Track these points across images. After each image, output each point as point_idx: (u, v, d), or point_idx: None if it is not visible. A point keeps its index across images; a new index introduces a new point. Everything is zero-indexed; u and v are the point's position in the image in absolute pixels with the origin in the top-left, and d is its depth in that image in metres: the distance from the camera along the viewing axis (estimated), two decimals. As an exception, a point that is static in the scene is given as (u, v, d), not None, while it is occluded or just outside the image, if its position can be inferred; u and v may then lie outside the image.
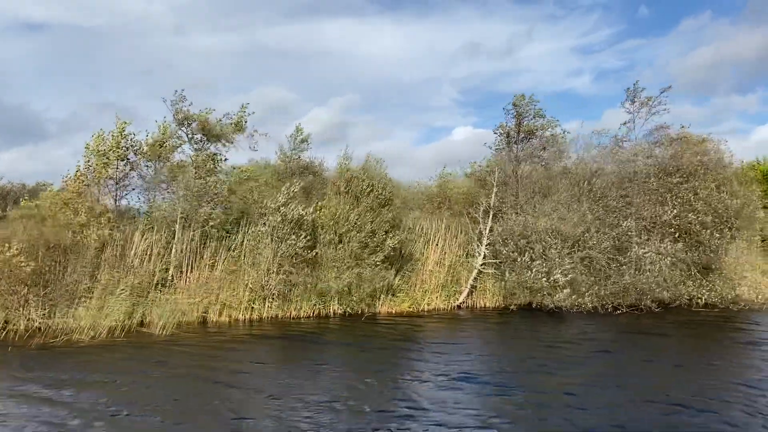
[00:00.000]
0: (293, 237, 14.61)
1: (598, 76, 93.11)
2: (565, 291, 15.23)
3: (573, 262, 15.55)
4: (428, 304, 16.99)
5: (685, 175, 17.01)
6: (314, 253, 15.01)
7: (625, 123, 19.28)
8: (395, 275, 16.62)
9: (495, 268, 17.18)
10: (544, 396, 8.70)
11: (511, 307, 16.80)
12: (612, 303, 15.92)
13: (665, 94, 18.42)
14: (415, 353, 11.81)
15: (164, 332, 13.13)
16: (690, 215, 16.41)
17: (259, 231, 14.94)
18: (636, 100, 18.91)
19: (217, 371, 10.12)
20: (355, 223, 15.17)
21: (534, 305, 16.31)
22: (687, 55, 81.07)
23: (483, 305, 17.57)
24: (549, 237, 15.71)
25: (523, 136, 20.67)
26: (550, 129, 20.71)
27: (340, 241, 15.35)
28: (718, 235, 16.28)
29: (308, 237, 14.96)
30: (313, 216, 15.42)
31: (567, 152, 20.13)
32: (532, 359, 11.17)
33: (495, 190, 17.59)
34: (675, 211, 16.39)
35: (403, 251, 17.02)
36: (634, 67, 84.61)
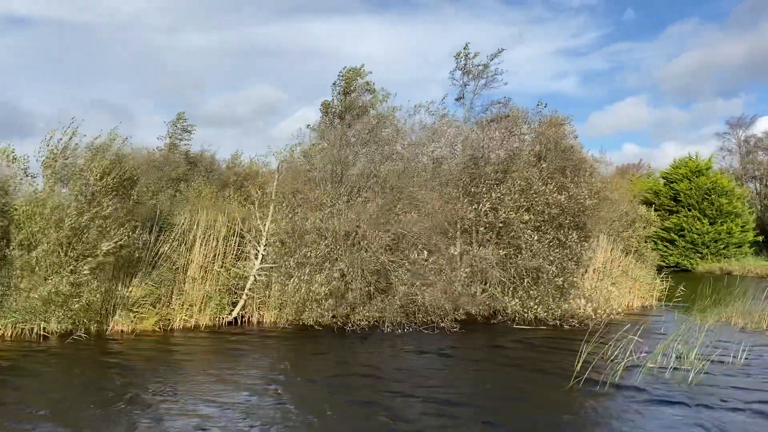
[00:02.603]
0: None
1: (584, 79, 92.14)
2: (328, 302, 12.16)
3: (344, 268, 12.44)
4: (185, 321, 13.80)
5: (503, 163, 14.06)
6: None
7: (458, 99, 16.30)
8: (140, 284, 13.39)
9: (277, 274, 14.01)
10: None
11: (282, 323, 13.72)
12: (396, 319, 12.90)
13: (498, 60, 15.47)
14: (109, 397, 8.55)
15: None
16: (503, 212, 13.44)
17: None
18: (468, 69, 15.91)
19: None
20: (52, 218, 11.85)
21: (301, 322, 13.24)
22: (673, 59, 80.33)
23: (262, 320, 14.45)
24: (318, 237, 12.61)
25: (352, 116, 17.62)
26: (379, 105, 17.72)
27: (35, 242, 12.02)
28: (536, 236, 13.34)
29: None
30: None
31: (404, 134, 17.10)
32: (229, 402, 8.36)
33: (278, 176, 14.42)
34: (485, 207, 13.41)
35: (152, 254, 13.77)
36: (622, 70, 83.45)
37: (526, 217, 13.50)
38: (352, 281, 12.57)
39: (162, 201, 15.00)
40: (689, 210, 38.83)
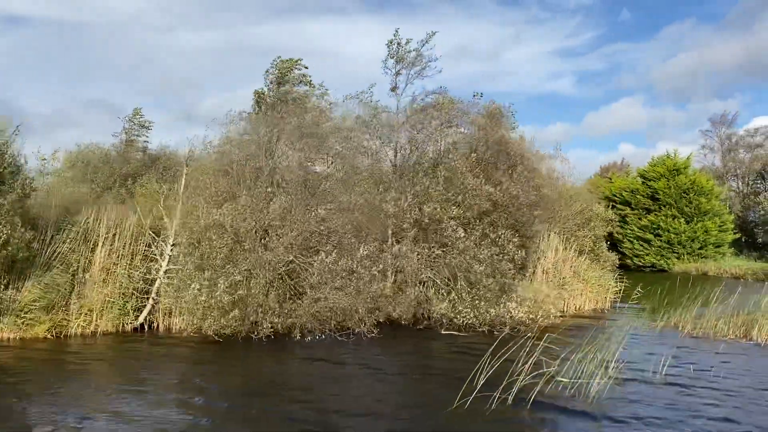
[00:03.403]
0: None
1: (580, 79, 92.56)
2: (234, 312, 11.13)
3: (248, 271, 11.40)
4: (83, 327, 12.72)
5: (432, 155, 13.07)
6: None
7: (392, 89, 15.26)
8: (31, 287, 12.31)
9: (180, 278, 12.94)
10: None
11: (190, 330, 12.67)
12: (307, 326, 11.86)
13: (429, 46, 14.48)
14: None
15: None
16: (429, 207, 12.43)
17: None
18: (401, 57, 14.90)
19: None
20: None
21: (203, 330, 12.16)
22: (669, 60, 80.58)
23: (170, 327, 13.38)
24: (218, 236, 11.56)
25: (287, 107, 16.62)
26: (315, 98, 16.75)
27: None
28: (462, 232, 12.34)
29: None
30: None
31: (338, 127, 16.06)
32: None
33: (186, 170, 13.38)
34: (408, 200, 12.40)
35: (48, 255, 12.70)
36: (618, 70, 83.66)
37: (454, 212, 12.49)
38: (256, 285, 11.53)
39: (62, 196, 13.93)
40: (667, 209, 37.95)
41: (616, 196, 41.96)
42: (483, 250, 12.64)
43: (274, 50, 73.97)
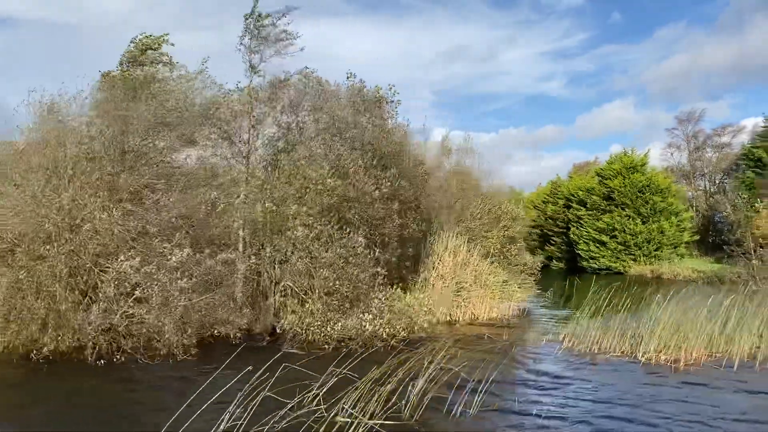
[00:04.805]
0: None
1: (571, 81, 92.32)
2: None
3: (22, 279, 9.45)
4: None
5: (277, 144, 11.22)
6: None
7: (256, 70, 13.40)
8: None
9: None
10: None
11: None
12: (99, 344, 9.92)
13: (287, 21, 12.66)
14: None
15: None
16: (259, 204, 10.56)
17: None
18: (257, 33, 13.06)
19: None
20: None
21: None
22: (661, 62, 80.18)
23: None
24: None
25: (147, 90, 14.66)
26: (172, 80, 14.90)
27: None
28: (299, 232, 10.48)
29: None
30: None
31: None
32: None
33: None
34: (238, 198, 10.52)
35: None
36: (609, 72, 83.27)
37: (294, 209, 10.61)
38: (38, 297, 9.59)
39: None
40: (622, 209, 36.32)
41: (573, 196, 40.38)
42: (327, 252, 10.78)
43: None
